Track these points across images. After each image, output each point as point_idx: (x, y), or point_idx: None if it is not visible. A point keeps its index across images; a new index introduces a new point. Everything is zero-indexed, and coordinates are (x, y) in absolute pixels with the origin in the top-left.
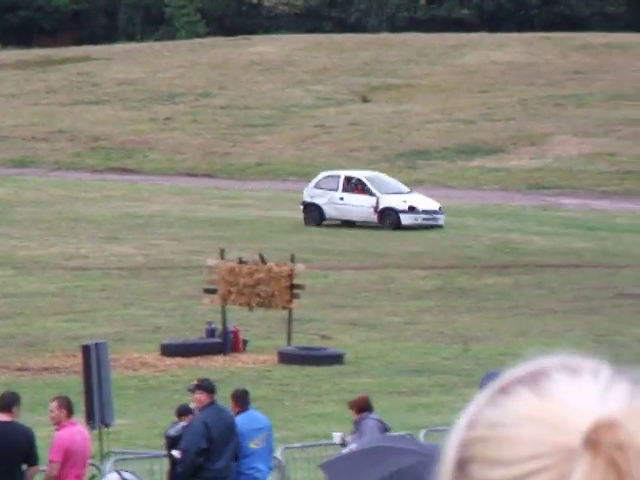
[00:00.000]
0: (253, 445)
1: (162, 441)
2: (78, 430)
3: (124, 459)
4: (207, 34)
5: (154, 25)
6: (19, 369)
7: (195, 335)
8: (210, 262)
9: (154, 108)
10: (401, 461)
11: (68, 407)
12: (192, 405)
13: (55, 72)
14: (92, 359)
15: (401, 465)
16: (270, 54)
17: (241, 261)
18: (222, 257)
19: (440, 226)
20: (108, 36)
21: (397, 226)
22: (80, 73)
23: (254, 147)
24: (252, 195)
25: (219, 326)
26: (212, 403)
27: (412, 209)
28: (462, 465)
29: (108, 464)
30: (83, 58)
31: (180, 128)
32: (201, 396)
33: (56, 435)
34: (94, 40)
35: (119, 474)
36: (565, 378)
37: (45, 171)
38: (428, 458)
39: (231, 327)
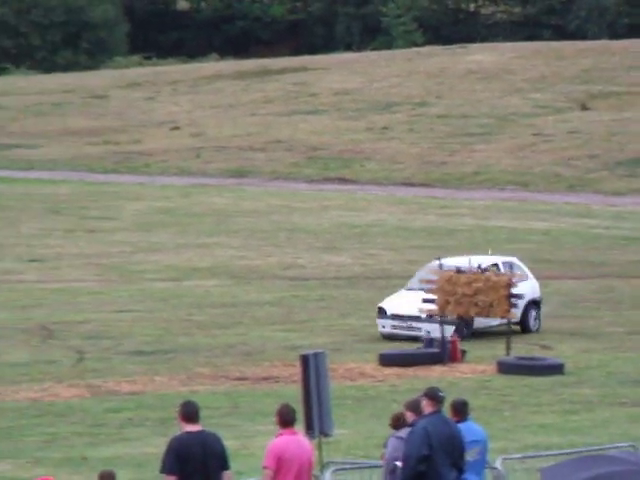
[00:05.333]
0: (468, 457)
1: (381, 451)
2: (295, 439)
3: (343, 469)
4: (424, 43)
5: (371, 35)
6: (238, 378)
7: (413, 345)
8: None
9: (371, 117)
10: (610, 467)
11: (282, 416)
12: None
13: (272, 82)
14: (311, 369)
15: (608, 469)
16: (487, 62)
17: (459, 270)
18: (440, 267)
19: (419, 338)
20: (325, 46)
21: None
22: (297, 83)
23: (471, 156)
24: (469, 204)
25: (437, 336)
26: (436, 412)
27: (381, 311)
28: None
29: (327, 474)
30: (300, 68)
31: (397, 137)
32: (424, 403)
33: (269, 443)
34: (311, 50)
35: None
36: None
37: (262, 181)
38: (638, 467)
39: (449, 337)
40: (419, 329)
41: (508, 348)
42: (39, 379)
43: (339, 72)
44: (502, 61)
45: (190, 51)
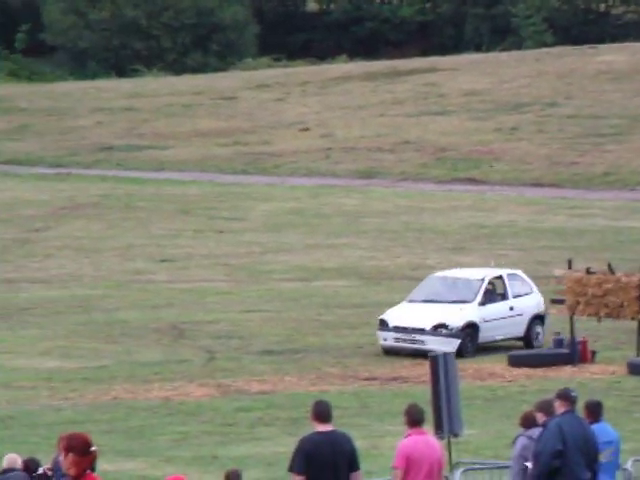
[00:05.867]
0: (602, 458)
1: (510, 451)
2: (424, 439)
3: (472, 469)
4: (554, 43)
5: (500, 35)
6: (367, 378)
7: (543, 346)
8: (557, 272)
9: (500, 118)
10: None
11: (410, 415)
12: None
13: (402, 83)
14: (440, 369)
15: None
16: (618, 63)
17: (589, 271)
18: (570, 267)
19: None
20: (454, 47)
21: None
22: (426, 84)
23: (602, 156)
24: (600, 205)
25: (567, 336)
26: (569, 412)
27: (382, 323)
28: None
29: (457, 474)
30: (429, 69)
31: (526, 138)
32: (557, 403)
33: (399, 443)
34: (440, 51)
35: None
36: None
37: (391, 182)
38: None
39: (579, 338)
40: (422, 342)
41: (639, 349)
42: (170, 378)
43: (468, 73)
44: (633, 61)
45: (319, 52)
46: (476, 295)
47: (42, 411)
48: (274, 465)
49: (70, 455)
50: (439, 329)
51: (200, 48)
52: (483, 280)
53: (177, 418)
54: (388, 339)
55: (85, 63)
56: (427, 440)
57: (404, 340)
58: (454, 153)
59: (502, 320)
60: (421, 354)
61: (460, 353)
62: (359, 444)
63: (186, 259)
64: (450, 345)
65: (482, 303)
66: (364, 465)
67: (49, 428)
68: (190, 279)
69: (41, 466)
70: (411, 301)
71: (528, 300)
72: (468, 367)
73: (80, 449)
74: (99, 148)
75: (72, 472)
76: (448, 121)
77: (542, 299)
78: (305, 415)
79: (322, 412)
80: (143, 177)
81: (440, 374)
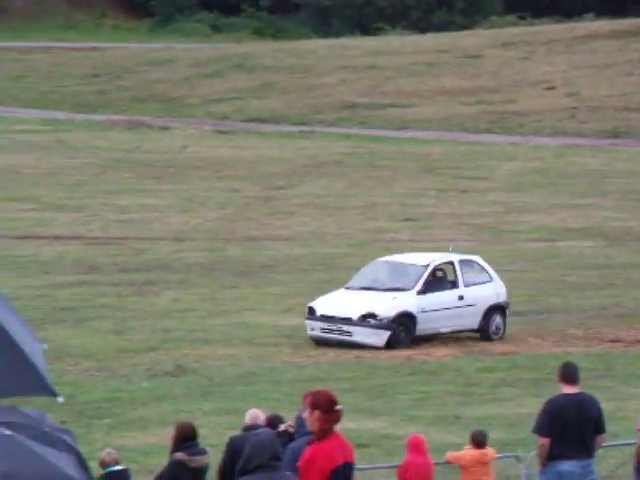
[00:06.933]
0: None
1: None
2: None
3: None
4: None
5: None
6: (611, 340)
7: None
8: None
9: None
10: None
11: None
12: None
13: None
14: None
15: None
16: None
17: None
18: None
19: (357, 344)
20: None
21: None
22: None
23: None
24: None
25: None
26: None
27: (310, 311)
28: None
29: None
30: None
31: None
32: None
33: None
34: None
35: None
36: None
37: (638, 141)
38: None
39: None
40: (349, 333)
41: None
42: None
43: None
44: None
45: (566, 11)
46: (416, 283)
47: (284, 368)
48: (516, 426)
49: (316, 412)
50: (367, 319)
51: (445, 6)
52: (427, 267)
53: (419, 378)
54: (315, 329)
55: (329, 21)
56: None
57: (331, 330)
58: None
59: (448, 310)
60: (350, 346)
61: (391, 345)
62: (604, 406)
63: (429, 218)
64: (378, 337)
65: (422, 291)
66: (609, 427)
67: (291, 385)
68: (433, 238)
69: (284, 423)
70: (348, 288)
71: (484, 289)
72: None
73: (325, 406)
74: (343, 106)
75: (316, 428)
76: None
77: (504, 288)
78: (548, 376)
79: (569, 374)
80: (386, 135)
81: None
